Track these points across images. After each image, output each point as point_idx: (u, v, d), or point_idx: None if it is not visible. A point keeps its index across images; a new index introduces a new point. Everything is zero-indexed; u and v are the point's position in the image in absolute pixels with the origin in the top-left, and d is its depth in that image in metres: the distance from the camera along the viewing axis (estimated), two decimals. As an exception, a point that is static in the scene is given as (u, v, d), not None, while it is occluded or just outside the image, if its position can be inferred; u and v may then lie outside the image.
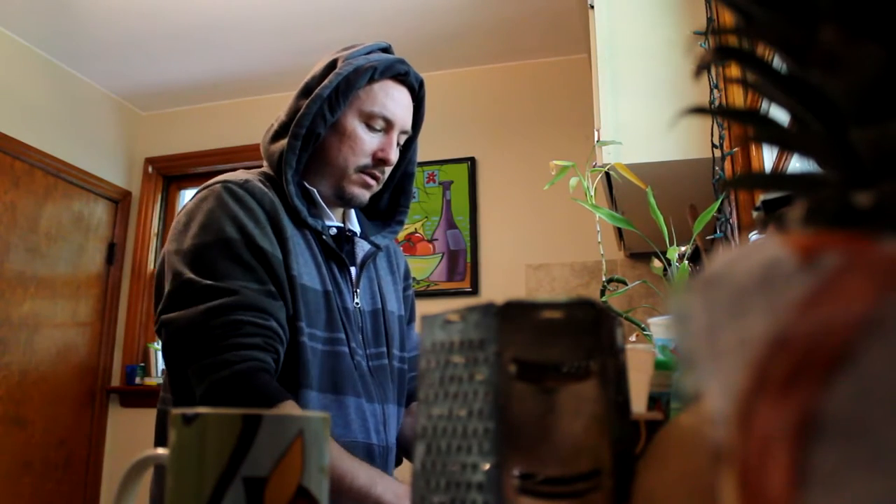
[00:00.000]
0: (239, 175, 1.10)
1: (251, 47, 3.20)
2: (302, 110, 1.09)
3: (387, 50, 1.19)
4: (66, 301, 3.33)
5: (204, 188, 1.07)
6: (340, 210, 1.20)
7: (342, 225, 1.17)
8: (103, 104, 3.62)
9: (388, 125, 1.14)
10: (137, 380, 3.41)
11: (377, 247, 1.20)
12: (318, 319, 1.05)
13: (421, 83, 1.20)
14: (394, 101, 1.14)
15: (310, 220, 1.09)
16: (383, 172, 1.16)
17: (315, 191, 1.13)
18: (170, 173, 3.77)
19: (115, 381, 3.50)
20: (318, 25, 3.02)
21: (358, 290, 1.15)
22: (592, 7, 1.76)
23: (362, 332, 1.13)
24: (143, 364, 3.46)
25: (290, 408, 0.93)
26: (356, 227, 1.21)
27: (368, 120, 1.12)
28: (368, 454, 1.05)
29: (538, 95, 3.23)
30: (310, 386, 1.00)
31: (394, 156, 1.14)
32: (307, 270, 1.06)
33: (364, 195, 1.15)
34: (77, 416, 3.33)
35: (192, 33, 3.10)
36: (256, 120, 3.69)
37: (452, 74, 3.38)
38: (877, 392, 0.16)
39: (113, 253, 3.60)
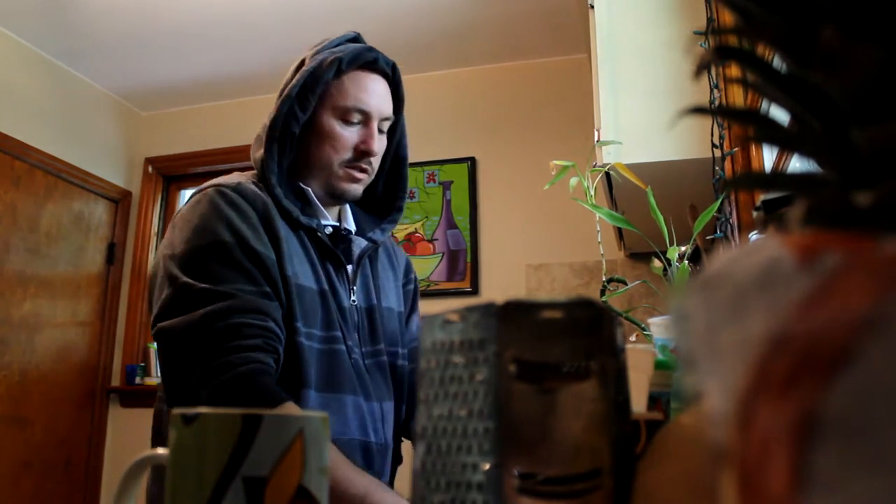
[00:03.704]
0: (232, 178, 1.10)
1: (251, 47, 3.20)
2: (273, 113, 1.10)
3: (356, 39, 1.17)
4: (66, 301, 3.33)
5: (197, 192, 1.08)
6: (336, 209, 1.19)
7: (337, 224, 1.17)
8: (103, 104, 3.62)
9: (366, 116, 1.12)
10: (137, 380, 3.41)
11: (374, 242, 1.19)
12: (315, 318, 1.05)
13: (393, 66, 1.18)
14: (366, 91, 1.12)
15: (303, 220, 1.09)
16: (370, 164, 1.14)
17: (310, 190, 1.13)
18: (170, 173, 3.77)
19: (115, 381, 3.50)
20: (319, 25, 3.02)
21: (354, 288, 1.14)
22: (592, 7, 1.76)
23: (359, 330, 1.12)
24: (143, 364, 3.46)
25: (290, 409, 0.93)
26: (352, 226, 1.20)
27: (344, 115, 1.11)
28: (366, 452, 1.05)
29: (538, 95, 3.23)
30: (308, 385, 1.00)
31: (377, 146, 1.13)
32: (302, 270, 1.06)
33: (356, 189, 1.14)
34: (77, 416, 3.33)
35: (193, 33, 3.10)
36: (256, 120, 3.67)
37: (452, 74, 3.38)
38: (877, 392, 0.16)
39: (113, 253, 3.60)
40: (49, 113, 3.30)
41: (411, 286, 1.33)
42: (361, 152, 1.12)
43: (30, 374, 3.11)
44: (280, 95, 1.12)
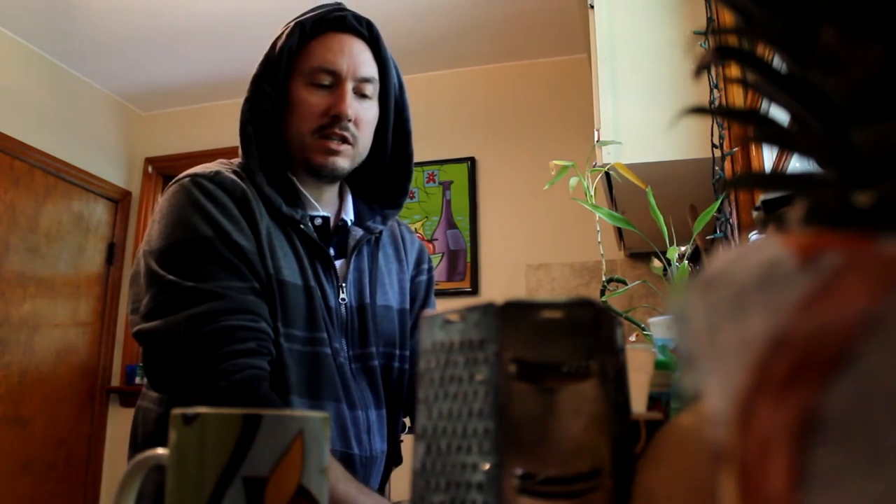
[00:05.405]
0: (211, 166, 1.02)
1: (251, 47, 3.19)
2: (246, 95, 1.04)
3: (339, 9, 1.07)
4: (66, 301, 3.33)
5: (174, 183, 1.00)
6: (335, 199, 1.11)
7: (327, 214, 1.06)
8: (103, 104, 3.62)
9: (336, 77, 1.02)
10: (137, 380, 3.42)
11: (370, 232, 1.09)
12: (297, 317, 0.96)
13: (369, 24, 1.09)
14: (333, 50, 1.02)
15: (285, 210, 0.99)
16: (348, 130, 1.02)
17: (295, 179, 1.05)
18: (170, 173, 3.77)
19: (115, 381, 3.50)
20: (318, 25, 3.02)
21: (344, 285, 1.04)
22: (592, 7, 1.76)
23: (347, 331, 1.03)
24: (142, 364, 3.46)
25: None
26: (351, 216, 1.10)
27: (311, 80, 1.02)
28: (347, 465, 0.94)
29: (538, 95, 3.23)
30: (291, 391, 0.93)
31: (350, 109, 1.01)
32: (287, 264, 0.97)
33: (334, 163, 1.02)
34: (77, 416, 3.33)
35: (192, 33, 3.10)
36: (256, 120, 3.70)
37: (452, 74, 3.38)
38: (877, 392, 0.16)
39: (113, 253, 3.60)
40: (49, 113, 3.30)
41: (423, 277, 1.20)
42: (333, 117, 1.01)
43: (30, 375, 3.11)
44: None
